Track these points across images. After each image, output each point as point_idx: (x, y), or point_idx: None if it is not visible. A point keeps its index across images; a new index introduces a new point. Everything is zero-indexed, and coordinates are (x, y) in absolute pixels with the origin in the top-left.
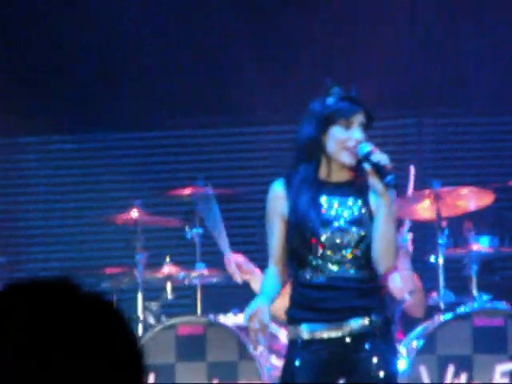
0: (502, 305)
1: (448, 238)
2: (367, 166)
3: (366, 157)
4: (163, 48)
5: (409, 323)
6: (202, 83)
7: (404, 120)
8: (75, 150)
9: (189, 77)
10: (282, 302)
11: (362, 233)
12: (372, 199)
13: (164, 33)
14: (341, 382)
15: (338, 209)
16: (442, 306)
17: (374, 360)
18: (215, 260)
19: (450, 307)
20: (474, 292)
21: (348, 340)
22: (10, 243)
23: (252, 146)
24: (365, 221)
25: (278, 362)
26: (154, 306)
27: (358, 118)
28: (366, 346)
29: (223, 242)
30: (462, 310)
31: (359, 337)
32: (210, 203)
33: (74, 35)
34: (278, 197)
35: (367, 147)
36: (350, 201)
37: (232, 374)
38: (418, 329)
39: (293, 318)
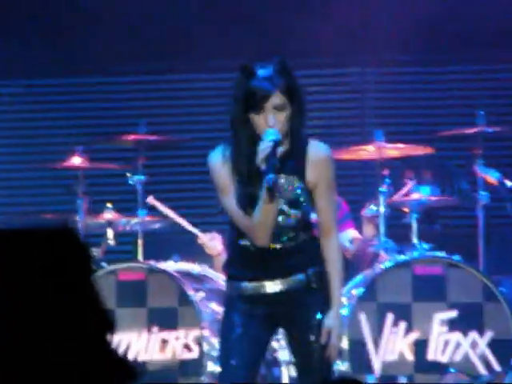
0: (442, 254)
1: (389, 186)
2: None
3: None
4: None
5: (349, 272)
6: (145, 29)
7: (347, 69)
8: (17, 94)
9: (131, 22)
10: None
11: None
12: (309, 174)
13: None
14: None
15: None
16: (382, 253)
17: (312, 311)
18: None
19: (391, 255)
20: (415, 240)
21: (286, 295)
22: None
23: (195, 92)
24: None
25: (218, 308)
26: (94, 251)
27: (272, 102)
28: (304, 300)
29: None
30: (402, 258)
31: (297, 291)
32: None
33: None
34: (220, 167)
35: (272, 135)
36: (290, 179)
37: (172, 320)
38: (359, 277)
39: (231, 275)
